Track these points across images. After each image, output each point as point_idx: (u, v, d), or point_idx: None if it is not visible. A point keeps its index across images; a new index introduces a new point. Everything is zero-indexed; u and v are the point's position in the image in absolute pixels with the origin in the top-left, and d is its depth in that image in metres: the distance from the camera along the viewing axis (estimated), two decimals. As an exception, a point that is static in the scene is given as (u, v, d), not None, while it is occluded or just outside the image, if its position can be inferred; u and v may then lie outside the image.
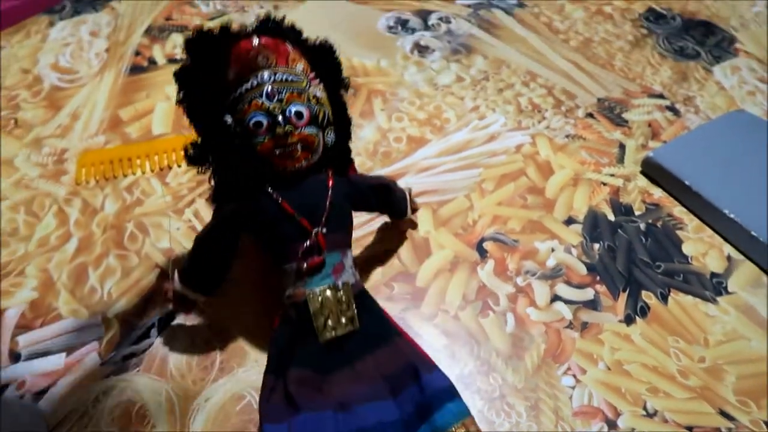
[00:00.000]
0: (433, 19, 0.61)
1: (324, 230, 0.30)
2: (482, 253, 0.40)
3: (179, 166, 0.45)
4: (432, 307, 0.37)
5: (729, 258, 0.41)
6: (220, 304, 0.36)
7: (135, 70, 0.54)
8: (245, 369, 0.33)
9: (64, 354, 0.34)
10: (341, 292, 0.29)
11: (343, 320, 0.29)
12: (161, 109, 0.50)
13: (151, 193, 0.43)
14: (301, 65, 0.29)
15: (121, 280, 0.38)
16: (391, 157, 0.47)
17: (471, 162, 0.47)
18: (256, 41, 0.28)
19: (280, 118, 0.28)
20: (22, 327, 0.35)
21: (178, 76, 0.29)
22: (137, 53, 0.55)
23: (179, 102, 0.29)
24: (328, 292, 0.29)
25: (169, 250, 0.39)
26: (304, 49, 0.30)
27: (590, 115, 0.51)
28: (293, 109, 0.28)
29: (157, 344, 0.34)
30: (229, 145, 0.29)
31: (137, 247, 0.40)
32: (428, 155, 0.47)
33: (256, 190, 0.30)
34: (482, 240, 0.41)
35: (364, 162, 0.46)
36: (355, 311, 0.30)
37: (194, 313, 0.36)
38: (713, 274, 0.40)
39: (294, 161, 0.29)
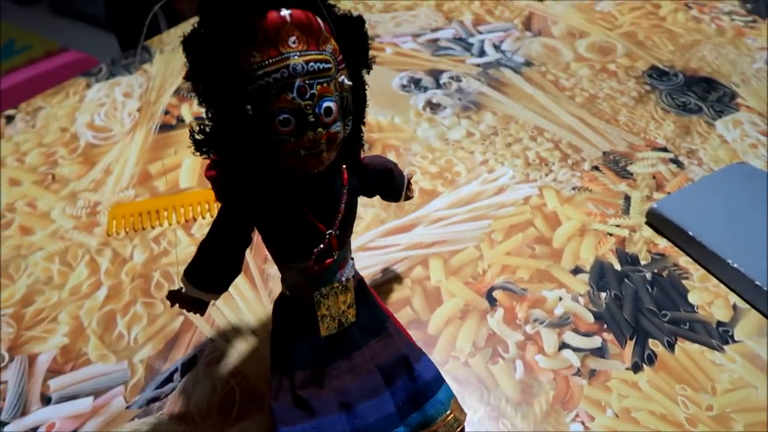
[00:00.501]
0: (444, 78, 0.65)
1: (337, 232, 0.29)
2: (492, 301, 0.42)
3: (203, 218, 0.48)
4: (443, 354, 0.38)
5: (734, 307, 0.42)
6: (239, 348, 0.38)
7: (164, 128, 0.57)
8: (264, 413, 0.35)
9: (92, 397, 0.36)
10: (345, 288, 0.30)
11: (345, 316, 0.31)
12: (187, 164, 0.53)
13: (178, 244, 0.45)
14: (330, 46, 0.25)
15: (147, 327, 0.40)
16: (404, 208, 0.49)
17: (481, 213, 0.49)
18: (287, 14, 0.24)
19: (311, 119, 0.24)
20: (54, 371, 0.37)
21: (187, 45, 0.24)
22: (166, 112, 0.59)
23: (188, 78, 0.25)
24: (334, 290, 0.30)
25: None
26: (334, 23, 0.26)
27: (596, 168, 0.53)
28: (324, 104, 0.24)
29: (180, 388, 0.36)
30: (249, 139, 0.25)
31: (162, 295, 0.42)
32: (440, 207, 0.49)
33: (272, 189, 0.27)
34: (492, 289, 0.43)
35: (378, 213, 0.48)
36: (355, 305, 0.31)
37: (214, 358, 0.37)
38: (719, 323, 0.41)
39: (318, 163, 0.26)
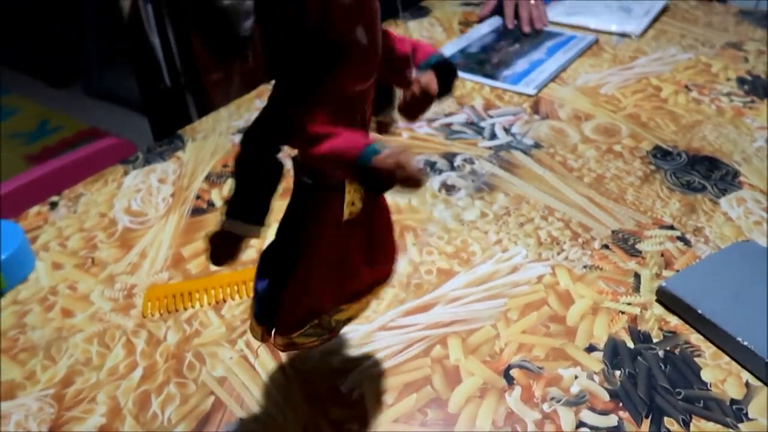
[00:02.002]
0: (458, 161, 0.68)
1: None
2: (509, 380, 0.43)
3: (233, 299, 0.50)
4: (463, 433, 0.40)
5: (747, 384, 0.43)
6: (268, 428, 0.40)
7: (196, 212, 0.61)
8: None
9: (127, 477, 0.37)
10: None
11: None
12: (218, 247, 0.56)
13: (209, 325, 0.48)
14: None
15: (180, 407, 0.42)
16: (423, 288, 0.51)
17: (496, 292, 0.51)
18: None
19: None
20: (92, 451, 0.39)
21: None
22: (198, 197, 0.63)
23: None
24: None
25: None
26: None
27: (606, 247, 0.56)
28: None
29: (211, 468, 0.38)
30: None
31: (195, 375, 0.44)
32: (456, 286, 0.52)
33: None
34: (509, 367, 0.44)
35: (398, 293, 0.50)
36: None
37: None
38: (733, 401, 0.42)
39: None
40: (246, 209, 0.30)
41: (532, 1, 1.08)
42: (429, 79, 0.30)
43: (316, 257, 0.33)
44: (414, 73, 0.31)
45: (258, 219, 0.30)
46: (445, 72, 0.31)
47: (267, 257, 0.34)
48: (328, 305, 0.36)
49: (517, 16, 1.08)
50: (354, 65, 0.26)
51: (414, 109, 0.30)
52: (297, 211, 0.32)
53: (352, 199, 0.31)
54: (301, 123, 0.26)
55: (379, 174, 0.25)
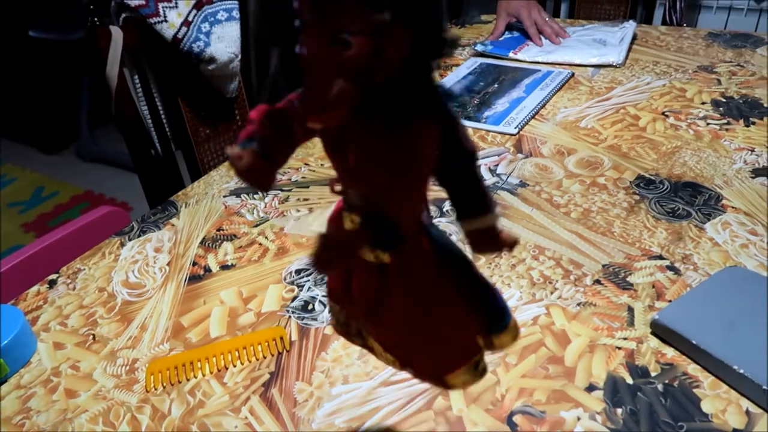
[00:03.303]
0: (447, 206, 0.70)
1: None
2: (512, 426, 0.44)
3: (234, 366, 0.51)
4: (471, 486, 0.40)
5: (748, 412, 0.43)
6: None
7: (193, 279, 0.62)
8: None
9: None
10: None
11: None
12: (217, 313, 0.57)
13: (212, 394, 0.48)
14: None
15: (188, 482, 0.42)
16: (420, 339, 0.52)
17: (493, 337, 0.51)
18: None
19: None
20: None
21: None
22: (194, 263, 0.64)
23: None
24: None
25: None
26: None
27: (598, 282, 0.56)
28: None
29: None
30: None
31: (201, 447, 0.44)
32: (454, 334, 0.52)
33: None
34: (512, 414, 0.45)
35: (397, 347, 0.51)
36: None
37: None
38: (735, 431, 0.42)
39: None
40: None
41: (546, 18, 1.18)
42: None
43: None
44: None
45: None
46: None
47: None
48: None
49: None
50: None
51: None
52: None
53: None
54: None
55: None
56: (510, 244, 0.29)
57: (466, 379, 0.33)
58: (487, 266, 0.59)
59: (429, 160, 0.26)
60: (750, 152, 0.76)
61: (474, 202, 0.28)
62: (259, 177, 0.25)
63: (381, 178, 0.26)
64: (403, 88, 0.24)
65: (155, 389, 0.50)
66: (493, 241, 0.29)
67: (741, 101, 0.89)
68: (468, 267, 0.31)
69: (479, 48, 1.17)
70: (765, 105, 0.88)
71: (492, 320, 0.33)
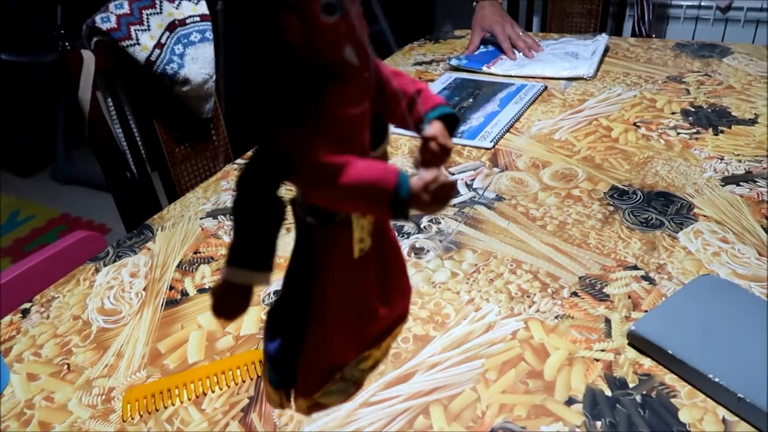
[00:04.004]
0: (424, 222, 0.70)
1: None
2: (494, 444, 0.44)
3: (213, 391, 0.50)
4: (453, 506, 0.40)
5: (724, 420, 0.44)
6: None
7: (170, 303, 0.61)
8: None
9: None
10: None
11: None
12: (194, 337, 0.56)
13: (190, 422, 0.48)
14: None
15: None
16: (401, 357, 0.52)
17: (473, 354, 0.52)
18: None
19: None
20: None
21: None
22: (171, 287, 0.63)
23: None
24: None
25: None
26: None
27: (575, 294, 0.57)
28: None
29: None
30: None
31: (179, 477, 0.43)
32: (434, 352, 0.52)
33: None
34: (492, 430, 0.45)
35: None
36: None
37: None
38: (712, 439, 0.42)
39: None
40: (249, 255, 0.27)
41: (520, 33, 1.19)
42: (445, 135, 0.28)
43: (331, 303, 0.30)
44: (425, 125, 0.29)
45: (264, 264, 0.27)
46: (451, 123, 0.29)
47: (275, 314, 0.32)
48: (351, 354, 0.33)
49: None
50: (346, 86, 0.25)
51: (432, 165, 0.28)
52: (303, 257, 0.30)
53: (360, 236, 0.29)
54: (304, 154, 0.24)
55: (421, 201, 0.24)
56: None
57: None
58: (465, 282, 0.60)
59: None
60: (720, 161, 0.77)
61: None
62: None
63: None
64: None
65: (132, 418, 0.49)
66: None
67: (709, 110, 0.91)
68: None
69: (454, 62, 1.18)
70: (733, 114, 0.90)
71: None
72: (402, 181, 0.24)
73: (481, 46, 1.27)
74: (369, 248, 0.30)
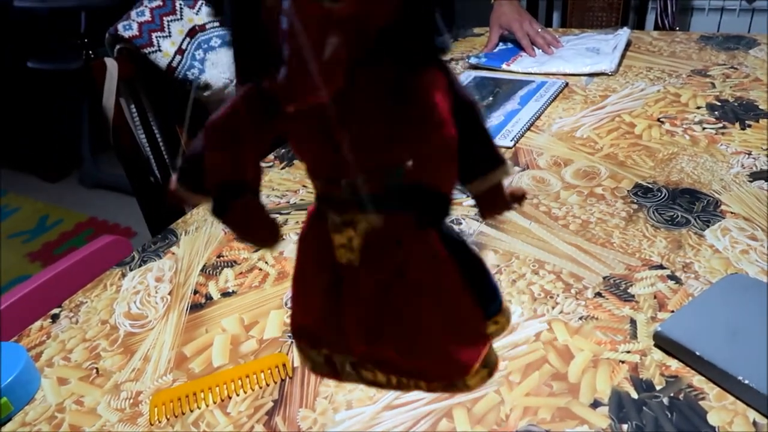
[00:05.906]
0: (445, 223, 0.70)
1: None
2: (518, 447, 0.43)
3: (237, 394, 0.51)
4: None
5: (755, 423, 0.43)
6: None
7: (194, 307, 0.62)
8: None
9: None
10: None
11: None
12: (219, 341, 0.57)
13: (215, 425, 0.48)
14: None
15: None
16: (423, 360, 0.52)
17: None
18: None
19: None
20: None
21: None
22: (195, 292, 0.64)
23: None
24: None
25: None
26: None
27: (599, 294, 0.56)
28: None
29: None
30: None
31: (206, 480, 0.44)
32: (457, 354, 0.52)
33: None
34: (517, 434, 0.44)
35: (399, 369, 0.51)
36: None
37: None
38: (743, 443, 0.41)
39: None
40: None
41: (539, 29, 1.18)
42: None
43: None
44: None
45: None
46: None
47: None
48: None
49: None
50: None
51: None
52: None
53: (347, 239, 0.26)
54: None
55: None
56: (520, 196, 0.27)
57: (484, 375, 0.30)
58: (487, 283, 0.59)
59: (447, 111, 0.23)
60: (747, 156, 0.75)
61: (486, 156, 0.26)
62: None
63: (413, 135, 0.23)
64: (408, 33, 0.21)
65: (159, 422, 0.49)
66: (503, 198, 0.27)
67: (736, 104, 0.89)
68: (466, 247, 0.28)
69: (473, 61, 1.17)
70: (760, 107, 0.88)
71: (489, 302, 0.30)
72: None
73: (500, 44, 1.26)
74: (356, 262, 0.27)
